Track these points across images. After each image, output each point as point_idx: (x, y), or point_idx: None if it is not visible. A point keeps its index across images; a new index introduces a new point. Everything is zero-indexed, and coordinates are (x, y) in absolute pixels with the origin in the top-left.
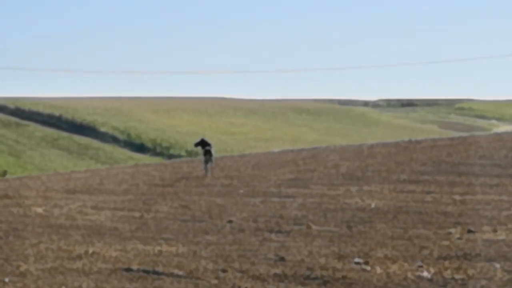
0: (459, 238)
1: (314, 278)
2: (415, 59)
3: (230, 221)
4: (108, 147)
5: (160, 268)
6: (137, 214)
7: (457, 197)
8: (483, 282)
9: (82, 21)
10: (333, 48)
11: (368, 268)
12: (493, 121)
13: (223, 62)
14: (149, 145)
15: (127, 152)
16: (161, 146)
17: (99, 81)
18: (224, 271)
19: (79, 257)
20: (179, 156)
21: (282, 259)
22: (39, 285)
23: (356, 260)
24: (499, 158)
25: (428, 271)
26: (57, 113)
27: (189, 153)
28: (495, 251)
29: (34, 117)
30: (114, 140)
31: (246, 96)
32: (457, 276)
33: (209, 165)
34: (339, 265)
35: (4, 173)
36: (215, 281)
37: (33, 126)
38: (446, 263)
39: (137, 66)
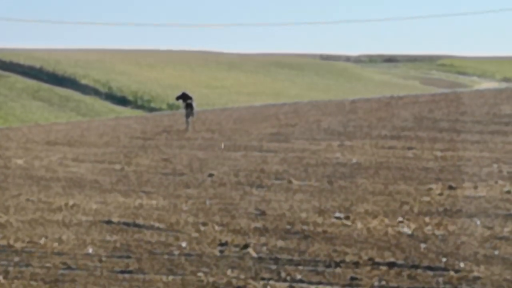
0: (440, 194)
1: (294, 233)
2: (397, 14)
3: (211, 175)
4: (89, 100)
5: (140, 221)
6: (117, 167)
7: (438, 153)
8: (464, 238)
9: None
10: (316, 2)
11: (349, 223)
12: (475, 78)
13: (206, 15)
14: (130, 98)
15: (108, 105)
16: (142, 99)
17: (81, 33)
18: (204, 224)
19: (59, 209)
20: (160, 109)
21: (262, 213)
22: (19, 236)
23: (337, 215)
24: (481, 115)
25: (409, 227)
26: (38, 64)
27: (170, 107)
28: (476, 207)
29: (15, 69)
30: (95, 92)
31: (229, 50)
32: (437, 232)
33: (190, 118)
34: (319, 220)
35: None
36: (196, 234)
37: (14, 78)
38: (427, 218)
39: (120, 18)
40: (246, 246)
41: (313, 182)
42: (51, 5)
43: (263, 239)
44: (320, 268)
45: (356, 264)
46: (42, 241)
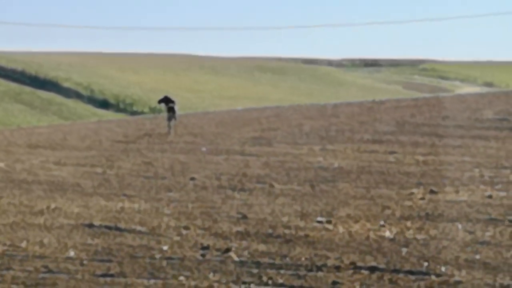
0: (422, 199)
1: (276, 237)
2: (379, 19)
3: (192, 179)
4: (71, 103)
5: (122, 225)
6: (99, 170)
7: (420, 158)
8: (445, 243)
9: None
10: (298, 6)
11: (331, 227)
12: (457, 83)
13: (189, 19)
14: (112, 101)
15: (90, 108)
16: (124, 102)
17: (63, 36)
18: (186, 228)
19: (41, 212)
20: (142, 112)
21: (244, 217)
22: (1, 239)
23: (319, 219)
24: (462, 120)
25: (390, 231)
26: (20, 67)
27: (153, 110)
28: (457, 211)
29: None
30: (77, 95)
31: (211, 54)
32: (419, 236)
33: (172, 122)
34: (301, 224)
35: None
36: (177, 238)
37: None
38: (408, 223)
39: (102, 21)
40: (227, 250)
41: (295, 186)
42: (33, 8)
43: (244, 243)
44: (302, 272)
45: (338, 268)
46: (24, 244)
